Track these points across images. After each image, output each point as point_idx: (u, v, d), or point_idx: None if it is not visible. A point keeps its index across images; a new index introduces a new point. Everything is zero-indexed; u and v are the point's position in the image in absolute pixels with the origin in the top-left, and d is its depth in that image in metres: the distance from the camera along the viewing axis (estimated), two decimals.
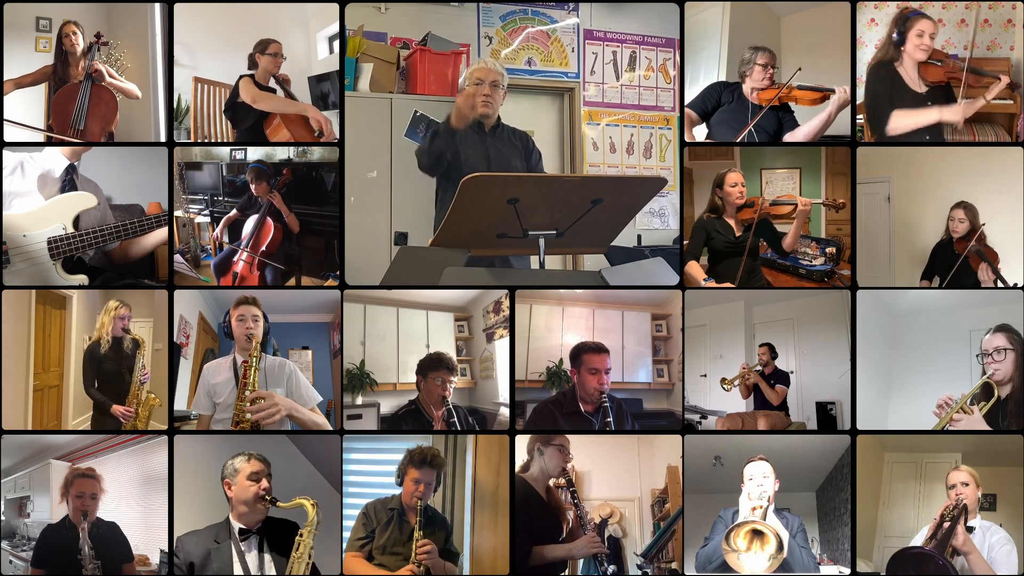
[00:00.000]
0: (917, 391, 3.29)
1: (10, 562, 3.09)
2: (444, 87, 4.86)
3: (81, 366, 3.32)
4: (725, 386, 3.58)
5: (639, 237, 4.62)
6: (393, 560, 2.72)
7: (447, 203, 3.54)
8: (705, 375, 3.71)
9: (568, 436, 2.90)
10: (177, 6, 3.25)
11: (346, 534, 2.85)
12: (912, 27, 3.34)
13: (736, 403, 3.60)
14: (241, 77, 3.71)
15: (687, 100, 3.69)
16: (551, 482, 2.89)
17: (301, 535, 2.59)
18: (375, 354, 3.91)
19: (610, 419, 2.90)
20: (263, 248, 3.65)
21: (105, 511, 2.91)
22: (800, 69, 3.54)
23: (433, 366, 3.06)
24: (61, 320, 3.70)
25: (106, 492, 2.92)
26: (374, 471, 3.10)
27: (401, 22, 5.06)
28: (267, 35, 3.80)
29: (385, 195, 4.60)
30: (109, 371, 3.27)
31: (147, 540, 3.04)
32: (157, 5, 3.83)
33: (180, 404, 3.35)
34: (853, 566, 2.98)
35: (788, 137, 3.62)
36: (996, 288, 3.24)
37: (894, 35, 3.37)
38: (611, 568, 2.79)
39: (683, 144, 4.78)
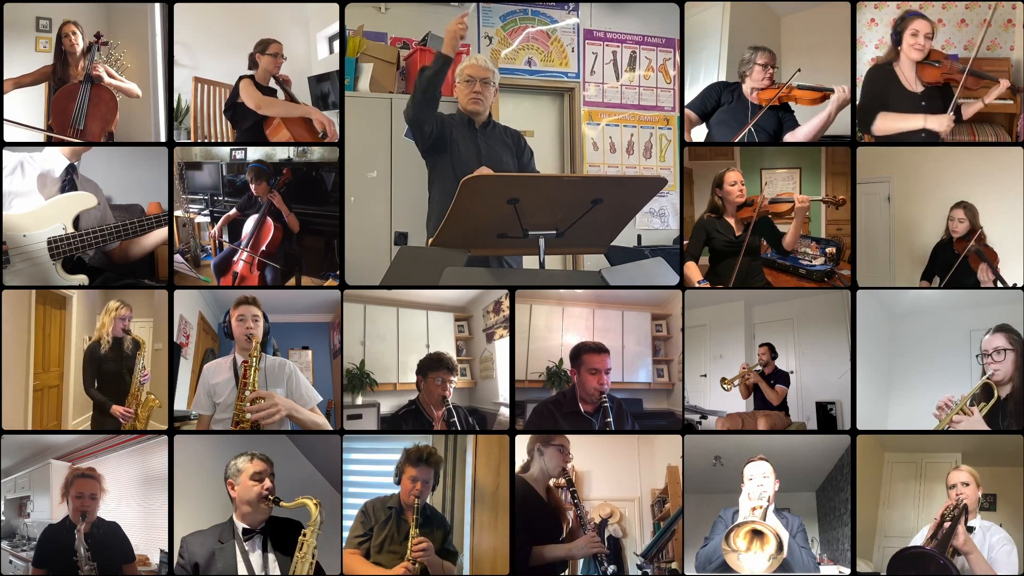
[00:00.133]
0: (917, 391, 3.29)
1: (10, 562, 3.09)
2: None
3: (81, 366, 3.31)
4: (725, 386, 3.58)
5: (639, 237, 4.64)
6: (390, 558, 2.73)
7: (438, 200, 3.56)
8: (705, 375, 3.71)
9: (568, 436, 2.90)
10: (177, 6, 3.25)
11: (346, 534, 2.85)
12: (907, 27, 3.36)
13: (736, 403, 3.60)
14: (241, 78, 3.70)
15: (687, 100, 3.69)
16: (551, 482, 2.88)
17: (304, 534, 2.59)
18: (375, 354, 3.91)
19: (610, 419, 2.90)
20: (263, 248, 3.65)
21: (105, 511, 2.91)
22: (800, 70, 3.54)
23: (433, 366, 3.06)
24: (61, 320, 3.70)
25: (106, 492, 2.93)
26: (374, 471, 3.09)
27: (401, 22, 5.06)
28: (267, 35, 3.79)
29: (385, 195, 4.60)
30: (109, 371, 3.27)
31: (147, 540, 3.04)
32: (157, 5, 3.83)
33: (180, 404, 3.34)
34: (853, 566, 2.98)
35: (788, 137, 3.62)
36: (996, 288, 3.24)
37: (891, 35, 3.38)
38: (611, 568, 2.79)
39: (683, 144, 4.78)
